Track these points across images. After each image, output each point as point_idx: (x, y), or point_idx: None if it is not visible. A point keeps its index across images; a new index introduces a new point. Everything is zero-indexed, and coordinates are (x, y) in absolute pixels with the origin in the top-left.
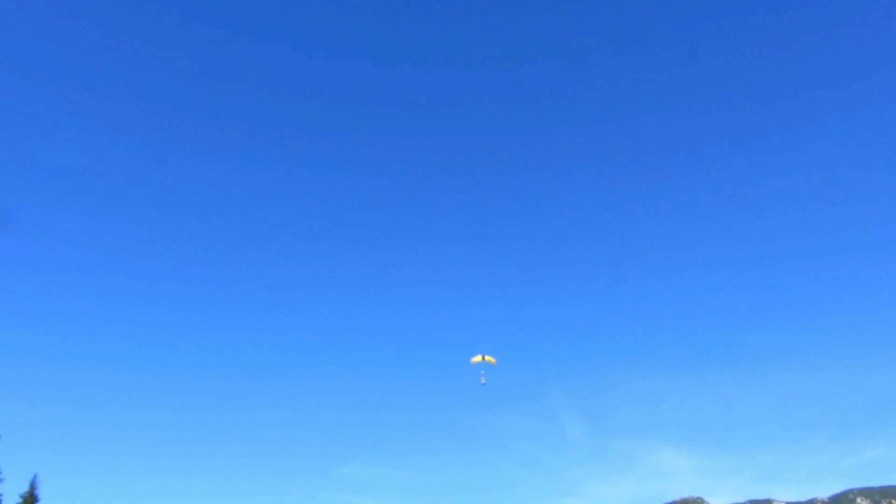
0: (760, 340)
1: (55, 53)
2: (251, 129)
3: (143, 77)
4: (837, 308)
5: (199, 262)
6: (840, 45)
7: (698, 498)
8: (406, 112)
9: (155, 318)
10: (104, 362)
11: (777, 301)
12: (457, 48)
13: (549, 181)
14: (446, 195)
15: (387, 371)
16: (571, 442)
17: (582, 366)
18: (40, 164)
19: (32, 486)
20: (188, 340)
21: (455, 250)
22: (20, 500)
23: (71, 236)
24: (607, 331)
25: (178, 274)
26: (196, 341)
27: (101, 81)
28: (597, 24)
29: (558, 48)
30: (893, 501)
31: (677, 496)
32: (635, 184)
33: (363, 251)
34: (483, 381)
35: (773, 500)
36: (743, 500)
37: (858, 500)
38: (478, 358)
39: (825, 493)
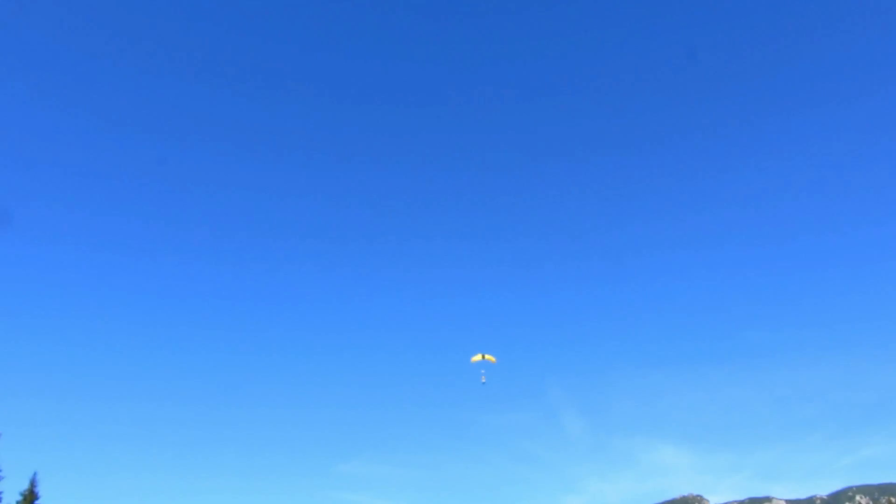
0: (759, 338)
1: (55, 53)
2: (250, 127)
3: (144, 77)
4: (836, 306)
5: (199, 261)
6: (840, 45)
7: (697, 495)
8: (405, 110)
9: (155, 317)
10: (104, 361)
11: (776, 299)
12: (456, 47)
13: (548, 179)
14: (446, 194)
15: (388, 369)
16: (571, 439)
17: (582, 364)
18: (40, 164)
19: (32, 483)
20: (188, 339)
21: (455, 249)
22: (20, 498)
23: (71, 236)
24: (607, 329)
25: (178, 273)
26: (196, 339)
27: (101, 81)
28: (597, 24)
29: (558, 47)
30: (892, 499)
31: (677, 494)
32: (635, 182)
33: (363, 249)
34: (483, 381)
35: (773, 498)
36: (742, 498)
37: (857, 497)
38: (478, 357)
39: (824, 490)
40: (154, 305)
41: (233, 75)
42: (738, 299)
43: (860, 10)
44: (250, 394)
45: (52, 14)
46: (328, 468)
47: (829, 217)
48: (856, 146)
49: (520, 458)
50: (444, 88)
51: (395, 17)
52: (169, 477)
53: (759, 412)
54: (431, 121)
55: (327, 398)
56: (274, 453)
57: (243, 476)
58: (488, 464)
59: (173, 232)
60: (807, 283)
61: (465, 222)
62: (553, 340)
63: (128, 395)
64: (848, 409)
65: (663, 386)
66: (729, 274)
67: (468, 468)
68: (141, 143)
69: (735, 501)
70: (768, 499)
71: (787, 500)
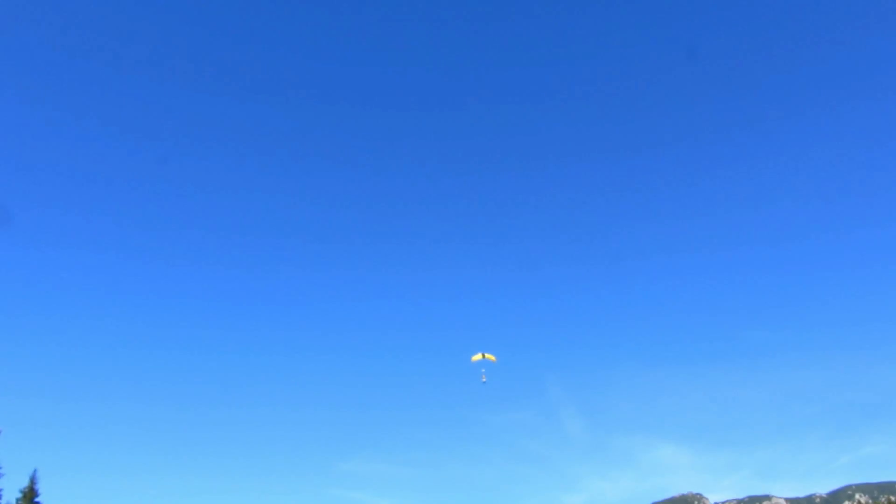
0: (759, 337)
1: (55, 53)
2: (250, 128)
3: (144, 77)
4: (835, 305)
5: (199, 261)
6: (840, 45)
7: (697, 494)
8: (405, 111)
9: (154, 317)
10: (104, 361)
11: (775, 298)
12: (456, 48)
13: (547, 179)
14: (446, 194)
15: (388, 368)
16: (571, 438)
17: (581, 363)
18: (40, 164)
19: (32, 481)
20: (188, 338)
21: (455, 248)
22: (20, 496)
23: (71, 236)
24: (606, 328)
25: (177, 272)
26: (196, 339)
27: (101, 81)
28: (597, 24)
29: (557, 47)
30: (892, 498)
31: (676, 492)
32: (634, 182)
33: (363, 249)
34: (484, 380)
35: (772, 497)
36: (742, 497)
37: (857, 496)
38: (478, 356)
39: (823, 489)
40: (154, 305)
41: (232, 77)
42: (737, 299)
43: (861, 11)
44: (251, 393)
45: (53, 15)
46: (329, 466)
47: (829, 217)
48: (857, 147)
49: (520, 456)
50: (444, 89)
51: (395, 17)
52: (169, 476)
53: (758, 411)
54: (431, 121)
55: (328, 397)
56: (275, 452)
57: (244, 475)
58: (488, 462)
59: (173, 232)
60: (807, 284)
61: (465, 222)
62: (553, 339)
63: (128, 395)
64: (847, 407)
65: (663, 385)
66: (729, 274)
67: (468, 466)
68: (141, 143)
69: (735, 500)
70: (768, 497)
71: (786, 499)
